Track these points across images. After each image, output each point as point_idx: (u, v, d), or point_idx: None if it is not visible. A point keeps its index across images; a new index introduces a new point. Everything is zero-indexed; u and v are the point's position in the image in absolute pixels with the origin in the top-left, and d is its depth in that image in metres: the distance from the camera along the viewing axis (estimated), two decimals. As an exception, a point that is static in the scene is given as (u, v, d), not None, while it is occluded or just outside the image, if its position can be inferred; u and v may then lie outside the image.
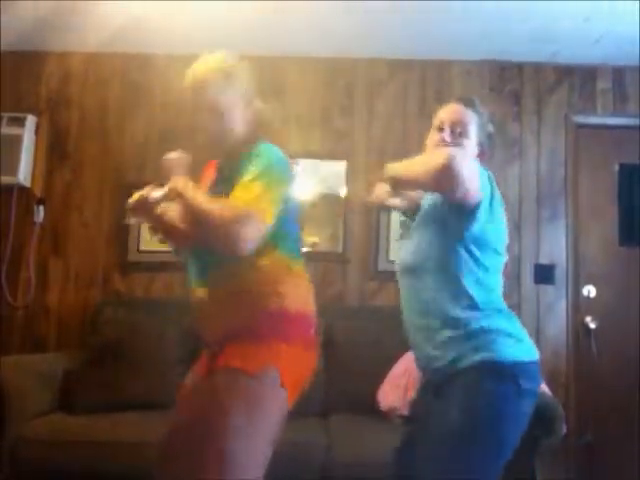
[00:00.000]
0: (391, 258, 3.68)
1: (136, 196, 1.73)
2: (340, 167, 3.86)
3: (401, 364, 3.15)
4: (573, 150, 3.91)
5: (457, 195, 1.58)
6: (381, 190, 1.86)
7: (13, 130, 3.78)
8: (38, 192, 3.89)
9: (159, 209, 1.74)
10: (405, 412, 2.96)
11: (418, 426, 1.78)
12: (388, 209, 3.09)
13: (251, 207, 1.55)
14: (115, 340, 3.31)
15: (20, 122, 3.80)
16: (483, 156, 1.88)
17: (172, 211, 1.76)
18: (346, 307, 3.77)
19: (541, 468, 2.74)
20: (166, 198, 1.71)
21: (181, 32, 3.68)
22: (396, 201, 1.89)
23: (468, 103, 1.86)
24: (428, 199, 1.81)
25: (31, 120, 3.86)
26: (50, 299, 3.83)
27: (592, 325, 3.72)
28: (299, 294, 1.71)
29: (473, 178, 1.58)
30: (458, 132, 1.83)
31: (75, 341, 3.68)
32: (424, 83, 3.94)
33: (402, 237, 1.94)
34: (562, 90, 3.97)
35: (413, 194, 1.92)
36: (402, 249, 1.87)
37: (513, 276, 3.71)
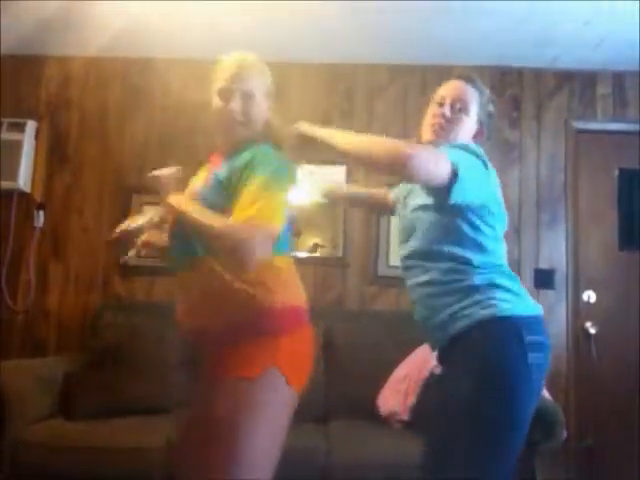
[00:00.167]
0: (391, 263, 3.69)
1: (117, 230, 1.80)
2: (340, 172, 3.86)
3: (401, 369, 3.15)
4: (573, 155, 3.91)
5: (420, 180, 1.62)
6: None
7: (13, 136, 3.78)
8: (38, 197, 3.90)
9: (142, 239, 1.82)
10: (405, 417, 2.96)
11: (428, 423, 1.78)
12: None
13: (256, 222, 1.50)
14: (115, 344, 3.31)
15: (20, 127, 3.81)
16: (481, 135, 1.89)
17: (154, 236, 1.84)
18: (346, 311, 3.76)
19: (541, 468, 2.74)
20: (155, 221, 1.78)
21: (181, 36, 3.69)
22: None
23: (470, 80, 1.86)
24: (409, 208, 1.83)
25: (31, 125, 3.87)
26: (50, 303, 3.83)
27: (592, 330, 3.71)
28: (286, 288, 1.69)
29: (438, 163, 1.57)
30: (458, 108, 1.83)
31: (75, 345, 3.68)
32: (424, 88, 3.93)
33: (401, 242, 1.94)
34: (562, 95, 3.97)
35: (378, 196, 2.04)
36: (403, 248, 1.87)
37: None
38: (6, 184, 3.75)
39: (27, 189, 3.85)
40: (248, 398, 1.54)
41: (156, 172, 1.74)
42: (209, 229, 1.55)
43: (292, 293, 1.71)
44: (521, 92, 3.99)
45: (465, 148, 1.70)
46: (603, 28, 3.43)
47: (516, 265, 3.73)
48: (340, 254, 3.84)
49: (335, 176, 3.83)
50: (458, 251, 1.69)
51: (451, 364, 1.70)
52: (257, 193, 1.54)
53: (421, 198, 1.76)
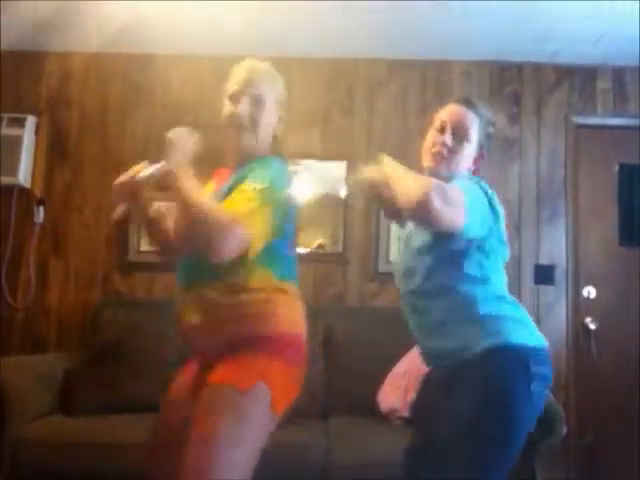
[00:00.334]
0: (392, 260, 3.68)
1: (123, 176, 1.71)
2: (340, 167, 3.85)
3: (401, 365, 3.15)
4: (573, 150, 3.91)
5: (439, 229, 1.59)
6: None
7: (13, 131, 3.77)
8: (38, 193, 3.89)
9: (148, 197, 1.73)
10: (405, 414, 2.96)
11: (426, 425, 1.78)
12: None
13: (240, 218, 1.51)
14: (115, 341, 3.31)
15: (20, 123, 3.80)
16: (482, 159, 1.87)
17: (162, 206, 1.75)
18: (346, 308, 3.76)
19: (541, 468, 2.74)
20: (157, 179, 1.64)
21: (182, 32, 3.68)
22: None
23: (469, 104, 1.85)
24: (413, 248, 1.81)
25: (31, 121, 3.86)
26: (50, 299, 3.82)
27: (592, 326, 3.72)
28: (292, 315, 1.70)
29: (456, 208, 1.55)
30: (459, 137, 1.82)
31: (75, 342, 3.67)
32: (424, 83, 3.94)
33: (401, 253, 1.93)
34: (562, 90, 3.96)
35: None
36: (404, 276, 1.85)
37: (513, 277, 3.69)
38: (6, 179, 3.74)
39: (27, 185, 3.84)
40: (234, 407, 1.53)
41: (174, 133, 1.69)
42: (196, 206, 1.53)
43: (297, 321, 1.71)
44: (521, 87, 3.98)
45: (472, 180, 1.71)
46: (603, 23, 3.42)
47: (516, 261, 3.73)
48: (340, 250, 3.83)
49: (335, 171, 3.83)
50: (462, 287, 1.69)
51: (455, 387, 1.68)
52: (251, 197, 1.55)
53: (425, 238, 1.75)
